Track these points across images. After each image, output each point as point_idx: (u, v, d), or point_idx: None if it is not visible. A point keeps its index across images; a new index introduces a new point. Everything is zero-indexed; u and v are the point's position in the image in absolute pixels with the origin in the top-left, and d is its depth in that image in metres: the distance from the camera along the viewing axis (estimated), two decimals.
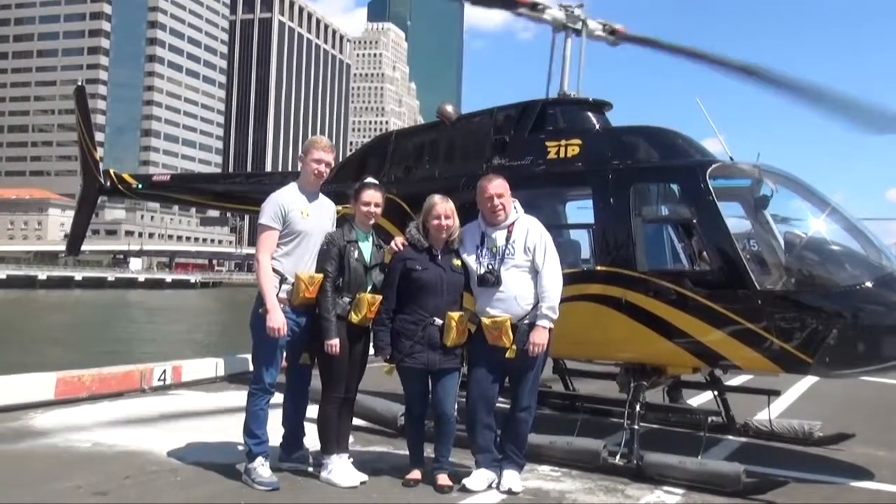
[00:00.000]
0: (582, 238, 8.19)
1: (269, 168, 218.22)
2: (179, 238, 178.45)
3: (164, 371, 10.90)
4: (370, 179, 6.63)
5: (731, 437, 8.58)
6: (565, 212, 8.82)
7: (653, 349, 7.29)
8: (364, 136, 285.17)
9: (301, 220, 6.27)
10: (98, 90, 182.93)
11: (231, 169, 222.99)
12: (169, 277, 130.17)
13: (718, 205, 7.12)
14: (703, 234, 7.28)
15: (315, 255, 6.28)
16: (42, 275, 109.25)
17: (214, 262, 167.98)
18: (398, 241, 6.42)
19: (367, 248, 6.37)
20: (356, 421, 7.12)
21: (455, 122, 9.19)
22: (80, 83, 15.24)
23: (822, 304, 6.72)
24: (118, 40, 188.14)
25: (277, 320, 6.02)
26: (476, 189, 6.47)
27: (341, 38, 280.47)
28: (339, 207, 6.85)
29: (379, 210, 6.46)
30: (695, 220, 7.34)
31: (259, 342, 6.19)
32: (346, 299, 6.21)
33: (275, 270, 6.16)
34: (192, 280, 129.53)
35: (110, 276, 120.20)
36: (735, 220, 7.31)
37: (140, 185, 13.35)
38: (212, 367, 11.80)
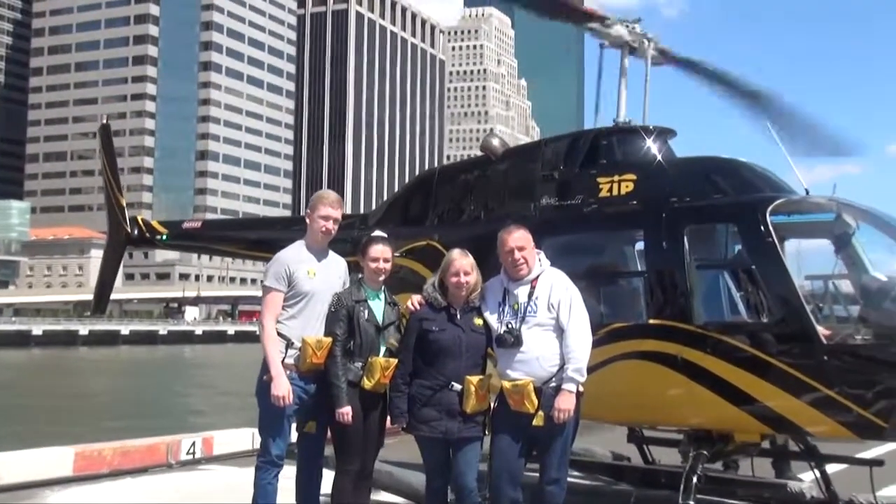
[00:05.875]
0: (634, 287, 8.97)
1: (348, 194, 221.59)
2: (243, 281, 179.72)
3: (194, 443, 12.11)
4: (377, 233, 7.68)
5: None
6: (617, 258, 9.61)
7: (712, 413, 8.00)
8: (463, 149, 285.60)
9: (307, 281, 7.32)
10: (145, 107, 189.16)
11: (304, 195, 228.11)
12: (231, 329, 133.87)
13: (779, 247, 7.82)
14: (763, 282, 7.98)
15: (323, 317, 7.32)
16: (83, 329, 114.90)
17: None
18: (415, 300, 7.40)
19: (378, 306, 7.36)
20: (391, 497, 7.99)
21: (501, 157, 10.14)
22: (104, 121, 16.23)
23: None
24: (167, 46, 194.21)
25: (282, 388, 7.04)
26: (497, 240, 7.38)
27: (433, 28, 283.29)
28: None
29: (388, 266, 7.44)
30: (753, 266, 8.07)
31: (265, 411, 7.26)
32: (358, 364, 7.19)
33: (280, 334, 7.22)
34: None
35: (162, 328, 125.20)
36: (803, 263, 7.99)
37: (164, 237, 14.00)
38: (248, 437, 12.79)
